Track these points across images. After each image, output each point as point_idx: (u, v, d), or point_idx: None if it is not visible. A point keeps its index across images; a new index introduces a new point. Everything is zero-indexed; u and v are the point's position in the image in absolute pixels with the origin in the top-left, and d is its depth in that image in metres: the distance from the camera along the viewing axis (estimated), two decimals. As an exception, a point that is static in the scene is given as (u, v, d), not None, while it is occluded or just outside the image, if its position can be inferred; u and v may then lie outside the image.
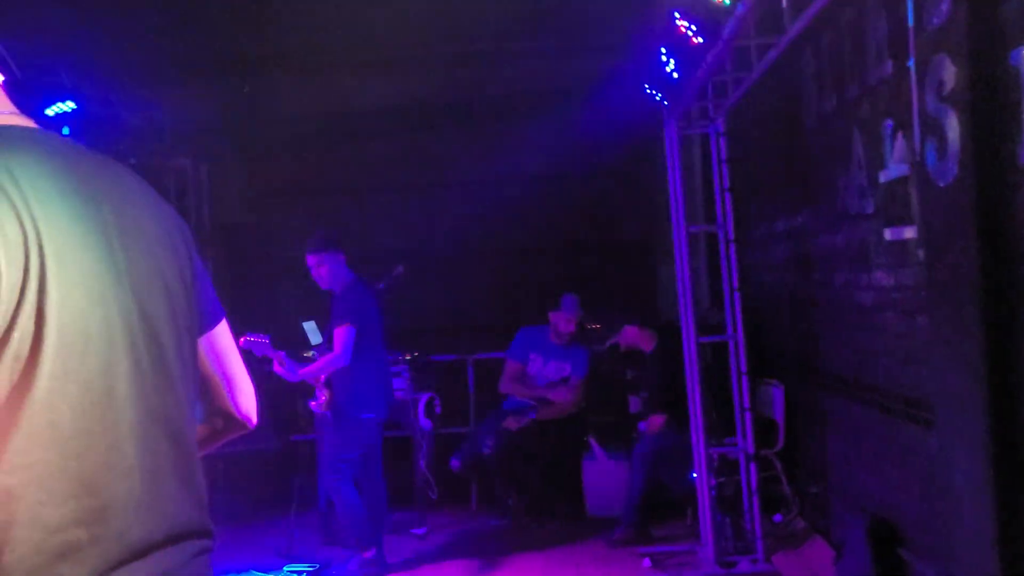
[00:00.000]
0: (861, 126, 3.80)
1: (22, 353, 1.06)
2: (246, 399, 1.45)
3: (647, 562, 4.66)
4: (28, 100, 4.28)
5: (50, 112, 4.40)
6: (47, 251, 1.10)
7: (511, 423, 5.61)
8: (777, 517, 5.01)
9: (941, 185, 2.90)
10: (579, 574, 4.64)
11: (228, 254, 7.35)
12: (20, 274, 1.06)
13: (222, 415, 1.44)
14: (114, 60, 6.48)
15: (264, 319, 7.03)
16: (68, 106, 4.52)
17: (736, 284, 4.66)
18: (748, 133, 5.79)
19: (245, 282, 7.61)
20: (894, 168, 3.34)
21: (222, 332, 1.44)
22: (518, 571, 4.77)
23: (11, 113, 1.26)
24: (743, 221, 5.98)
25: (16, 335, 1.06)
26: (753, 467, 4.58)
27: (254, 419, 1.47)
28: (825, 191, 4.33)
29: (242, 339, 4.50)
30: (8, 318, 1.05)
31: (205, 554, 1.29)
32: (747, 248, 5.97)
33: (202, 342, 1.39)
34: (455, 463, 5.69)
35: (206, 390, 1.41)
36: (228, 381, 1.43)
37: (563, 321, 5.84)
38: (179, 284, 1.31)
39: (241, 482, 6.37)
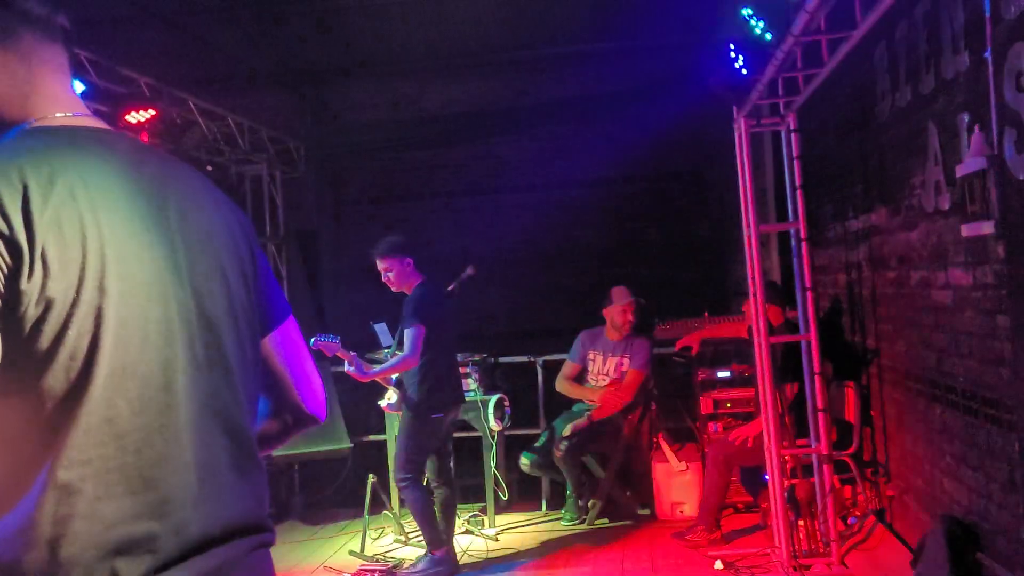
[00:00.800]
0: (937, 120, 3.70)
1: (79, 351, 1.09)
2: (315, 395, 1.48)
3: (719, 564, 4.61)
4: (110, 107, 4.44)
5: (131, 119, 4.56)
6: (107, 251, 1.13)
7: (568, 429, 5.62)
8: (852, 520, 4.92)
9: (1021, 178, 2.82)
10: (652, 574, 4.61)
11: (303, 258, 7.53)
12: (77, 273, 1.09)
13: (291, 411, 1.46)
14: (193, 70, 6.73)
15: (339, 322, 7.21)
16: (147, 113, 4.67)
17: (808, 284, 4.58)
18: (821, 130, 5.69)
19: (319, 286, 7.81)
20: (971, 162, 3.25)
21: (289, 329, 1.47)
22: (588, 569, 4.78)
23: (84, 115, 1.31)
24: (817, 220, 5.88)
25: (72, 333, 1.08)
26: (827, 469, 4.49)
27: (323, 415, 1.50)
28: (900, 187, 4.23)
29: (313, 340, 4.62)
30: (63, 317, 1.08)
31: (264, 548, 1.31)
32: (821, 247, 5.88)
33: (269, 339, 1.43)
34: (526, 462, 5.72)
35: (274, 386, 1.44)
36: (297, 378, 1.46)
37: (618, 313, 5.82)
38: (241, 282, 1.34)
39: (316, 482, 6.54)
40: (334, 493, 6.48)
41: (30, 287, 1.07)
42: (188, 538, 1.16)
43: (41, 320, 1.07)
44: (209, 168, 6.16)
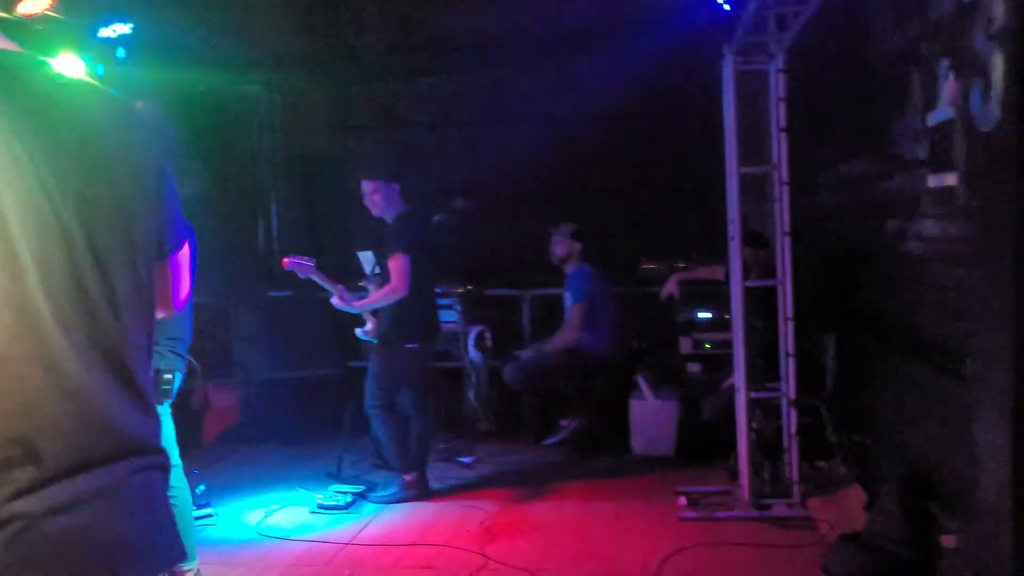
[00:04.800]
0: (919, 66, 3.60)
1: None
2: (181, 303, 1.58)
3: (683, 500, 4.68)
4: (79, 19, 4.30)
5: (105, 33, 4.39)
6: None
7: (526, 352, 5.77)
8: (821, 464, 4.96)
9: (984, 130, 2.75)
10: (617, 508, 4.70)
11: (304, 184, 7.50)
12: None
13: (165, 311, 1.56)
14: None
15: (338, 248, 7.23)
16: (124, 28, 4.50)
17: (787, 228, 4.53)
18: (816, 73, 5.56)
19: (319, 213, 7.79)
20: (941, 111, 3.17)
21: (184, 254, 1.53)
22: (557, 501, 4.87)
23: None
24: (811, 166, 5.79)
25: None
26: (793, 413, 4.51)
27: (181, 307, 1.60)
28: (884, 135, 4.15)
29: (287, 260, 4.64)
30: None
31: (155, 470, 1.34)
32: (815, 193, 5.79)
33: (168, 263, 1.48)
34: (506, 376, 5.79)
35: (163, 296, 1.51)
36: (176, 295, 1.55)
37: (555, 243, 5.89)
38: (143, 212, 1.35)
39: (302, 405, 6.65)
40: (318, 416, 6.59)
41: None
42: (68, 462, 1.19)
43: None
44: (201, 88, 6.10)
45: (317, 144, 8.44)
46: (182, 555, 1.40)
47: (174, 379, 3.66)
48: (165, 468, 1.38)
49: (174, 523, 1.40)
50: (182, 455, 6.02)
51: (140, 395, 1.34)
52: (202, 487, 4.85)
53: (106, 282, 1.28)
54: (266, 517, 4.77)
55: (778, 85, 4.52)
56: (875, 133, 4.31)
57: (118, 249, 1.30)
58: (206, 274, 6.28)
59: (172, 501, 3.57)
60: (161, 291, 1.49)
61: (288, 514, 4.82)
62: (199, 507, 4.75)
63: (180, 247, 1.51)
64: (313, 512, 4.81)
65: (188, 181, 6.30)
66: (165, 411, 3.65)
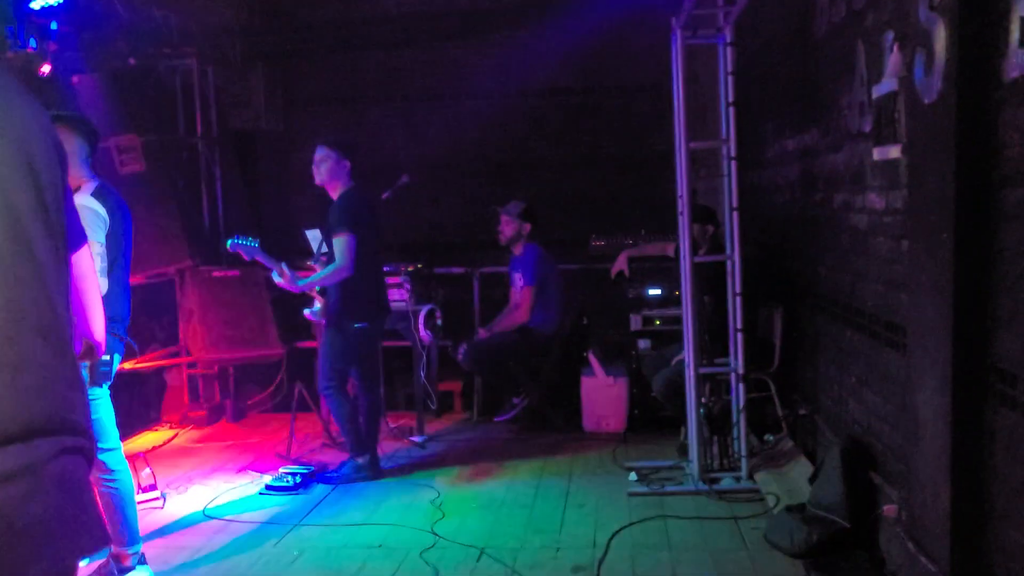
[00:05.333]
0: (865, 38, 3.61)
1: None
2: (98, 325, 1.50)
3: (633, 475, 4.70)
4: None
5: (35, 5, 4.29)
6: None
7: (481, 332, 5.79)
8: (768, 437, 5.02)
9: (926, 102, 2.77)
10: (567, 484, 4.71)
11: (241, 161, 7.34)
12: None
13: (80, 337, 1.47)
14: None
15: (279, 229, 7.10)
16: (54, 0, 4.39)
17: (735, 203, 4.54)
18: (764, 47, 5.57)
19: (259, 190, 7.64)
20: (885, 83, 3.19)
21: (84, 256, 1.46)
22: (507, 478, 4.86)
23: None
24: (760, 140, 5.82)
25: None
26: (742, 387, 4.55)
27: (103, 347, 1.52)
28: (830, 108, 4.17)
29: (230, 243, 4.54)
30: None
31: (77, 454, 1.29)
32: (762, 168, 5.83)
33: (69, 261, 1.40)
34: (459, 355, 5.78)
35: None
36: (86, 306, 1.47)
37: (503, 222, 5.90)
38: (54, 198, 1.31)
39: (248, 385, 6.55)
40: (266, 398, 6.51)
41: None
42: None
43: None
44: (131, 62, 5.91)
45: (256, 120, 8.26)
46: (104, 541, 1.34)
47: (113, 360, 3.56)
48: (89, 451, 1.33)
49: (95, 507, 1.34)
50: (133, 435, 5.96)
51: (71, 369, 1.29)
52: (147, 470, 4.75)
53: (30, 253, 1.23)
54: (214, 498, 4.69)
55: (726, 59, 4.51)
56: (822, 106, 4.33)
57: (37, 222, 1.25)
58: (151, 252, 6.17)
59: (113, 484, 3.50)
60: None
61: (236, 495, 4.74)
62: (146, 489, 4.66)
63: (82, 244, 1.46)
64: (262, 493, 4.74)
65: (127, 158, 6.12)
66: (104, 393, 3.55)
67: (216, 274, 6.28)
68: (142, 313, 7.32)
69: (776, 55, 5.36)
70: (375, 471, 4.92)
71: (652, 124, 8.81)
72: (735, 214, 4.54)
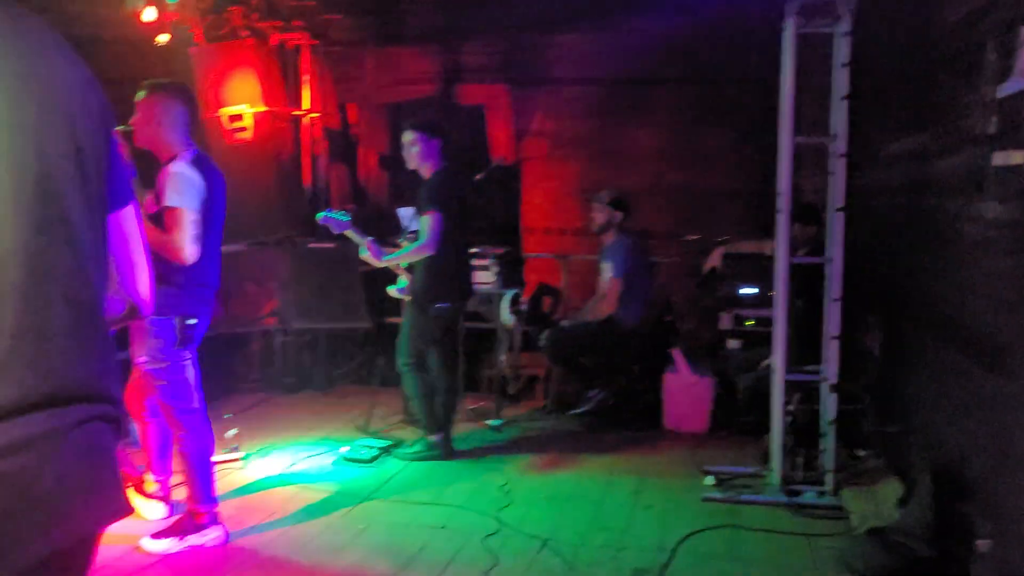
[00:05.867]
0: (993, 34, 3.33)
1: None
2: (143, 286, 1.45)
3: (710, 479, 4.55)
4: None
5: None
6: None
7: (565, 320, 5.63)
8: (860, 452, 4.77)
9: (1054, 105, 2.52)
10: (639, 483, 4.59)
11: (346, 136, 7.44)
12: None
13: (121, 297, 1.44)
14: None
15: (376, 205, 7.19)
16: None
17: (840, 204, 4.30)
18: (882, 39, 5.25)
19: (362, 166, 7.74)
20: (1012, 83, 2.92)
21: (129, 216, 1.42)
22: (579, 471, 4.77)
23: None
24: (869, 138, 5.50)
25: None
26: (833, 398, 4.32)
27: (149, 307, 1.47)
28: (948, 107, 3.88)
29: (321, 216, 4.60)
30: None
31: (101, 421, 1.27)
32: (873, 168, 5.51)
33: (109, 221, 1.38)
34: (542, 343, 5.71)
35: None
36: (131, 266, 1.43)
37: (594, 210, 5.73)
38: (93, 155, 1.29)
39: (336, 357, 6.67)
40: (353, 370, 6.61)
41: None
42: (6, 399, 1.13)
43: None
44: (244, 34, 6.06)
45: (367, 98, 8.36)
46: (125, 510, 1.33)
47: (198, 325, 3.65)
48: (114, 418, 1.31)
49: (117, 476, 1.33)
50: (223, 397, 6.16)
51: (100, 338, 1.27)
52: (234, 431, 4.90)
53: (62, 215, 1.21)
54: (292, 464, 4.79)
55: (842, 50, 4.26)
56: (938, 105, 4.04)
57: (72, 182, 1.23)
58: (251, 221, 6.34)
59: (191, 444, 3.59)
60: (116, 254, 1.41)
61: (314, 463, 4.83)
62: (230, 450, 4.81)
63: (128, 203, 1.42)
64: (338, 464, 4.82)
65: (237, 128, 6.29)
66: (189, 355, 3.65)
67: (312, 246, 6.40)
68: (238, 279, 7.58)
69: (887, 47, 5.04)
70: (448, 451, 4.93)
71: (760, 117, 8.50)
72: (839, 215, 4.30)
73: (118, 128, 3.72)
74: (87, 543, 1.28)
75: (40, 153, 1.19)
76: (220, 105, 6.19)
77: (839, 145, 4.31)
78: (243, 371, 6.69)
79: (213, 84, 6.19)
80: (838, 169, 4.31)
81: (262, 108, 6.20)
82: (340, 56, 7.31)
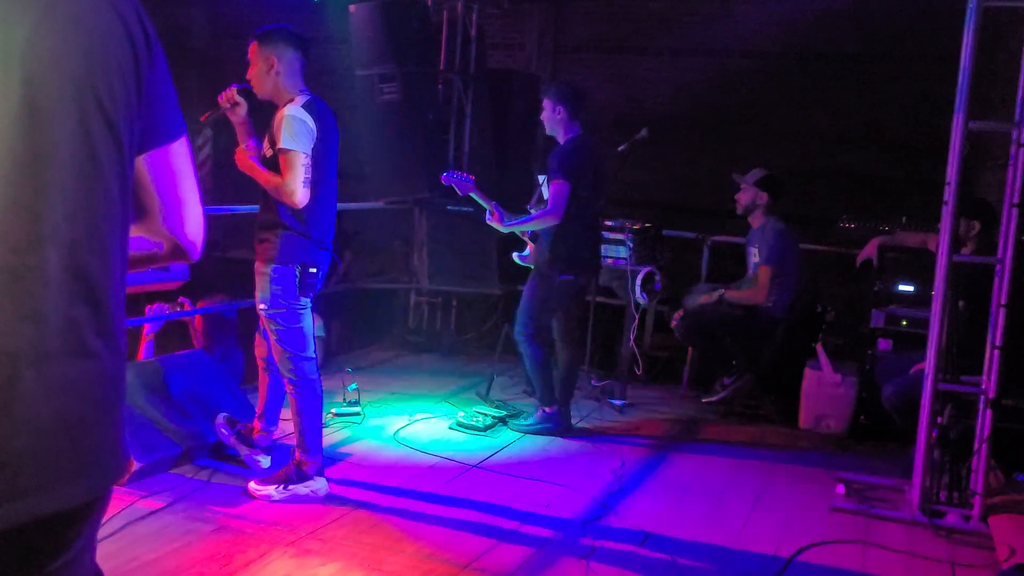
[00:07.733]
0: None
1: None
2: (193, 226, 1.36)
3: (841, 488, 4.20)
4: None
5: None
6: None
7: (705, 298, 5.31)
8: (1019, 477, 4.28)
9: None
10: (764, 481, 4.31)
11: (494, 101, 7.35)
12: None
13: (165, 238, 1.34)
14: None
15: (520, 171, 7.10)
16: None
17: (1017, 199, 3.81)
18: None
19: (509, 131, 7.64)
20: None
21: (177, 151, 1.33)
22: (700, 463, 4.54)
23: None
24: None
25: None
26: (989, 413, 3.87)
27: (199, 249, 1.37)
28: None
29: (445, 175, 4.55)
30: None
31: (86, 379, 1.17)
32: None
33: (150, 157, 1.30)
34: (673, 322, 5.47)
35: (151, 209, 1.32)
36: (176, 203, 1.34)
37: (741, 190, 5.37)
38: (123, 89, 1.20)
39: (464, 320, 6.68)
40: (478, 335, 6.60)
41: None
42: None
43: None
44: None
45: (527, 64, 8.25)
46: (118, 472, 1.22)
47: (318, 273, 3.68)
48: (109, 375, 1.20)
49: (106, 438, 1.20)
50: (352, 351, 6.31)
51: (94, 288, 1.18)
52: (354, 386, 4.96)
53: (53, 155, 1.13)
54: (407, 426, 4.81)
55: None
56: None
57: (73, 121, 1.15)
58: (393, 180, 6.40)
59: (303, 392, 3.62)
60: (160, 192, 1.31)
61: (428, 426, 4.83)
62: (349, 404, 4.88)
63: (171, 140, 1.32)
64: (452, 428, 4.80)
65: (388, 87, 6.34)
66: (307, 303, 3.68)
67: (450, 208, 6.40)
68: (376, 236, 7.72)
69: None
70: (564, 426, 4.81)
71: (937, 101, 7.75)
72: (1014, 212, 3.82)
73: (236, 86, 3.70)
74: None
75: (36, 101, 1.11)
76: (373, 64, 6.25)
77: (1021, 133, 3.81)
78: (376, 327, 6.82)
79: (369, 43, 6.26)
80: (1018, 160, 3.82)
81: (413, 69, 6.22)
82: (501, 20, 7.21)
